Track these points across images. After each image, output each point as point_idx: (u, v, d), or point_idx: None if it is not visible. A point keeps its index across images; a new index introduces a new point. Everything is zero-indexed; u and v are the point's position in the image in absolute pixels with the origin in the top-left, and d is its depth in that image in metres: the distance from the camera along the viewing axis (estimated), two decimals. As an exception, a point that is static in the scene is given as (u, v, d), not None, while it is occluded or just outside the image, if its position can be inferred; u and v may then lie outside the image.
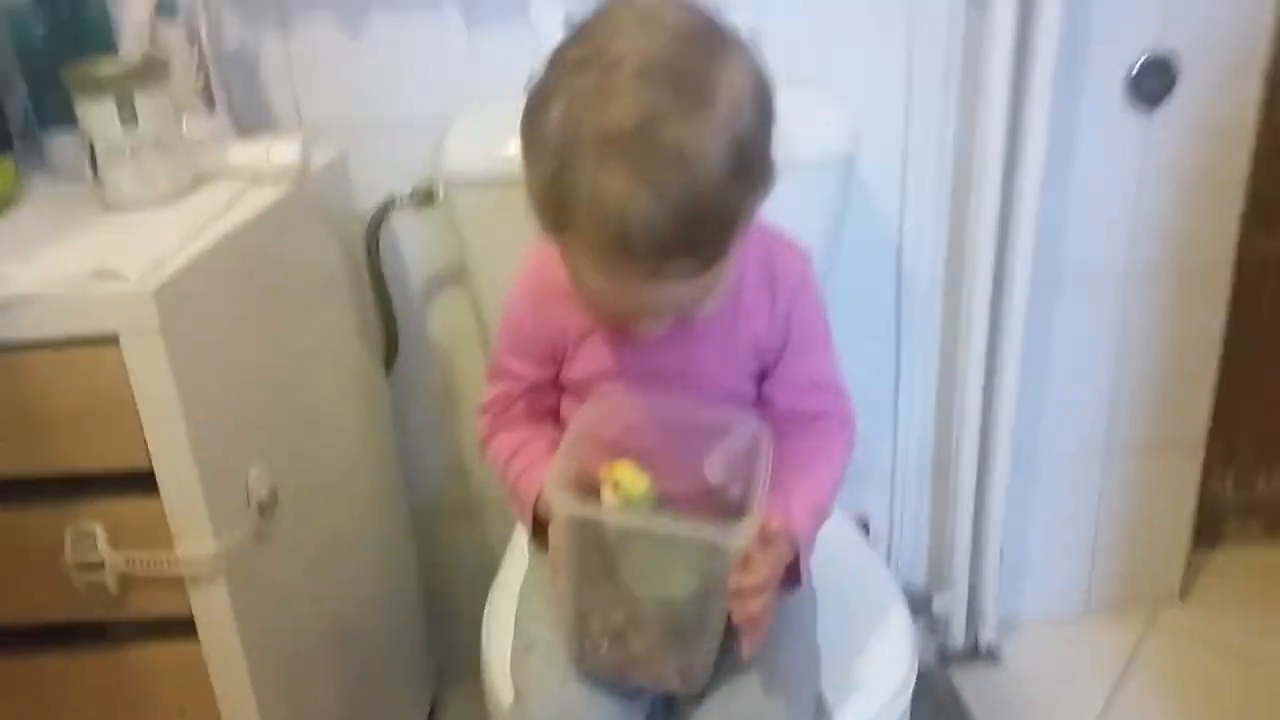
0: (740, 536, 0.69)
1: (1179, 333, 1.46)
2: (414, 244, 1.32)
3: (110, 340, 0.74)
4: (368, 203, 1.25)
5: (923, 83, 1.30)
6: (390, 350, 1.32)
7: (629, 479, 0.75)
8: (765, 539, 0.73)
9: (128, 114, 0.89)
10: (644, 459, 0.76)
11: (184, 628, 0.83)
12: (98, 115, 0.89)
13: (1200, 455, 1.54)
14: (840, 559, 0.99)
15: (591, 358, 0.83)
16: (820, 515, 0.82)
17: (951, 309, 1.43)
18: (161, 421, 0.76)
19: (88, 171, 0.92)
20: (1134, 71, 1.30)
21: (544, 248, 0.80)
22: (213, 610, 0.82)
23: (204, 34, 1.08)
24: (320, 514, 1.06)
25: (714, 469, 0.78)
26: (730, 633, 0.75)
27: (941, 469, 1.52)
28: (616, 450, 0.77)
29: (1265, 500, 1.73)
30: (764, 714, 0.77)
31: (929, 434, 1.51)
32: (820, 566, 0.87)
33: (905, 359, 1.46)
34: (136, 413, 0.76)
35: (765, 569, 0.73)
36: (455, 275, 1.33)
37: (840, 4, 1.25)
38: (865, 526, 1.48)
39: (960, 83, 1.31)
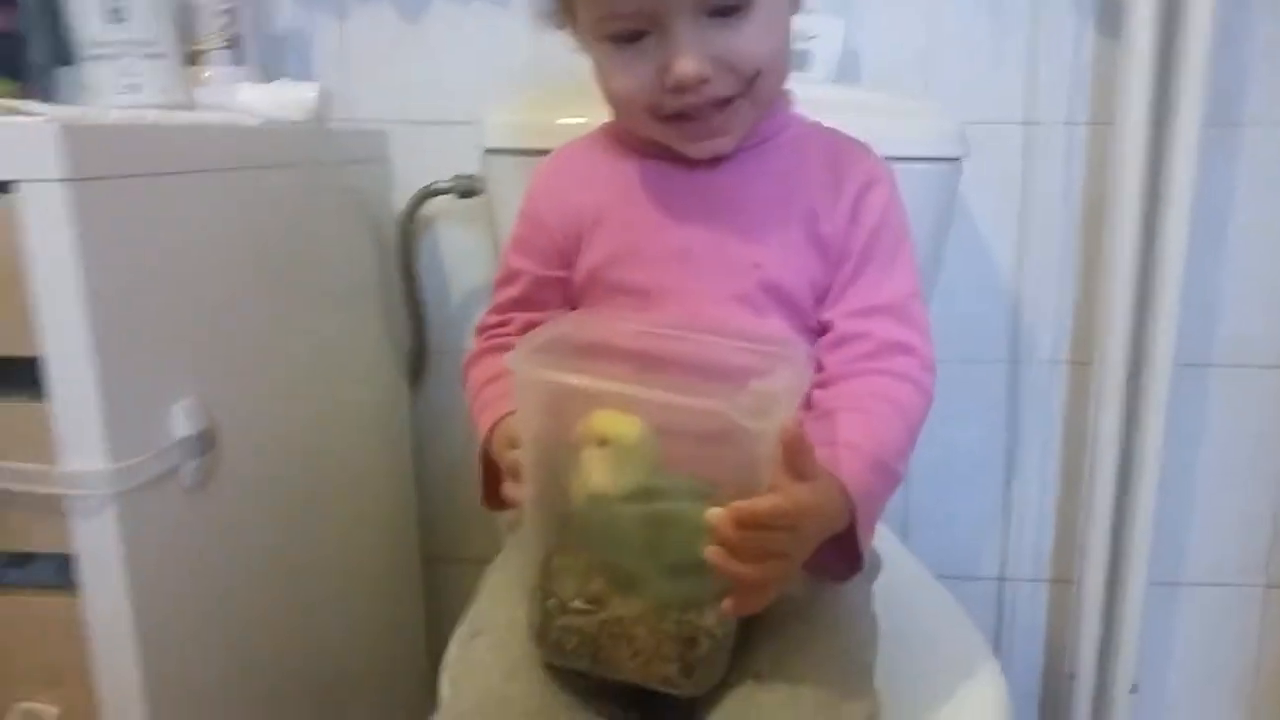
0: (761, 414, 0.50)
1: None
2: (453, 250, 1.20)
3: (4, 189, 0.61)
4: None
5: (1045, 113, 1.14)
6: (417, 361, 1.17)
7: (617, 426, 0.56)
8: (797, 464, 0.53)
9: (116, 9, 0.80)
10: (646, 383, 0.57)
11: (66, 574, 0.67)
12: (84, 9, 0.80)
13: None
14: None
15: (610, 237, 0.69)
16: (883, 473, 0.61)
17: (1079, 386, 1.21)
18: (59, 296, 0.62)
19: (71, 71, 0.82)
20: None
21: (577, 138, 0.75)
22: (99, 550, 0.66)
23: (242, -15, 1.01)
24: (287, 504, 0.90)
25: (744, 406, 0.57)
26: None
27: (1061, 581, 1.26)
28: (611, 364, 0.59)
29: None
30: None
31: (1047, 538, 1.26)
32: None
33: (1020, 443, 1.23)
34: (29, 284, 0.62)
35: (785, 502, 0.52)
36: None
37: (956, 26, 1.13)
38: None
39: (1090, 115, 1.14)
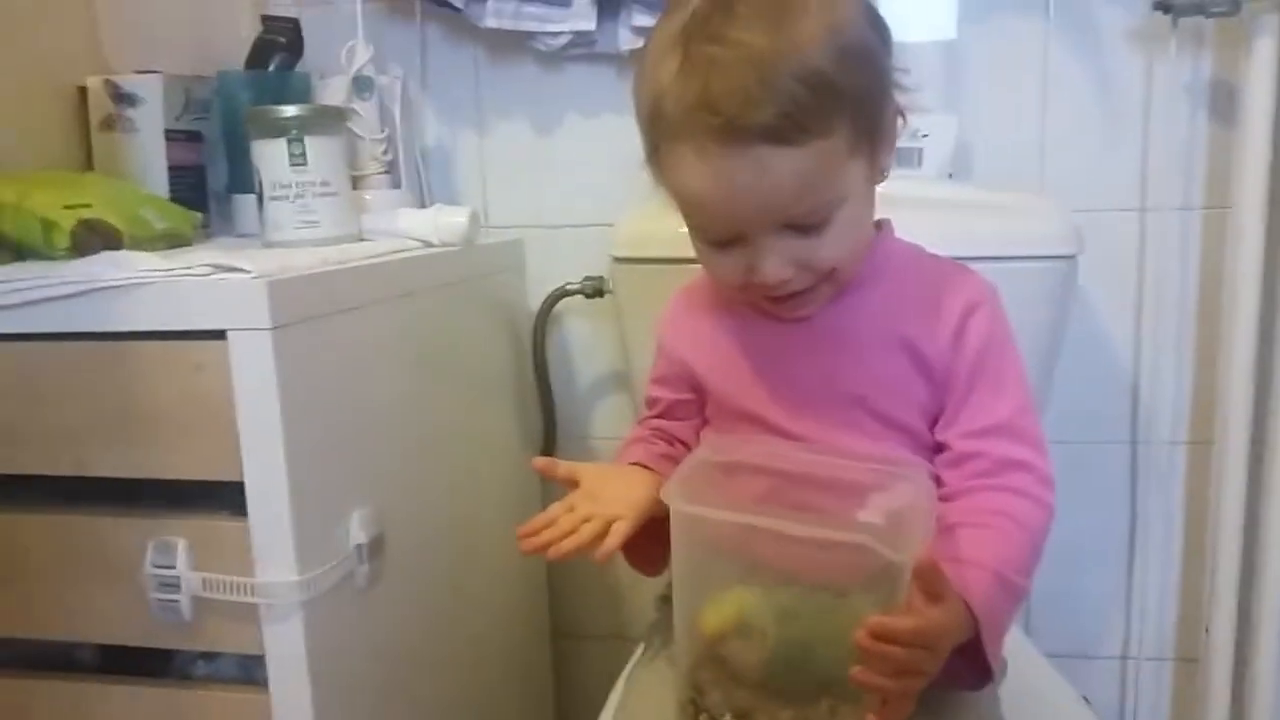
0: (901, 545, 0.55)
1: None
2: (582, 346, 1.28)
3: (218, 335, 0.70)
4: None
5: (1159, 199, 1.16)
6: (548, 447, 1.25)
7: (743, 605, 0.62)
8: (931, 589, 0.58)
9: (297, 155, 0.90)
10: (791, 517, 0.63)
11: (256, 673, 0.75)
12: (269, 154, 0.91)
13: None
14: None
15: (725, 377, 0.75)
16: (1006, 587, 0.64)
17: (1200, 463, 1.21)
18: (260, 429, 0.71)
19: (255, 210, 0.93)
20: None
21: (693, 281, 0.80)
22: (286, 652, 0.74)
23: (397, 115, 1.11)
24: (439, 596, 0.97)
25: (885, 538, 0.60)
26: None
27: (1187, 657, 1.25)
28: (749, 489, 0.64)
29: None
30: None
31: (1171, 613, 1.26)
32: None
33: (1142, 523, 1.24)
34: (235, 418, 0.71)
35: (923, 623, 0.57)
36: (621, 382, 1.27)
37: (1068, 117, 1.17)
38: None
39: (1204, 200, 1.16)
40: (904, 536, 0.57)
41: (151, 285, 0.71)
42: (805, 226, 0.64)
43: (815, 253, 0.65)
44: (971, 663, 0.63)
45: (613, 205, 1.18)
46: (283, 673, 0.74)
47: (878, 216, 0.73)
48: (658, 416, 0.82)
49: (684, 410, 0.81)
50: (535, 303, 1.23)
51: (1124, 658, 1.27)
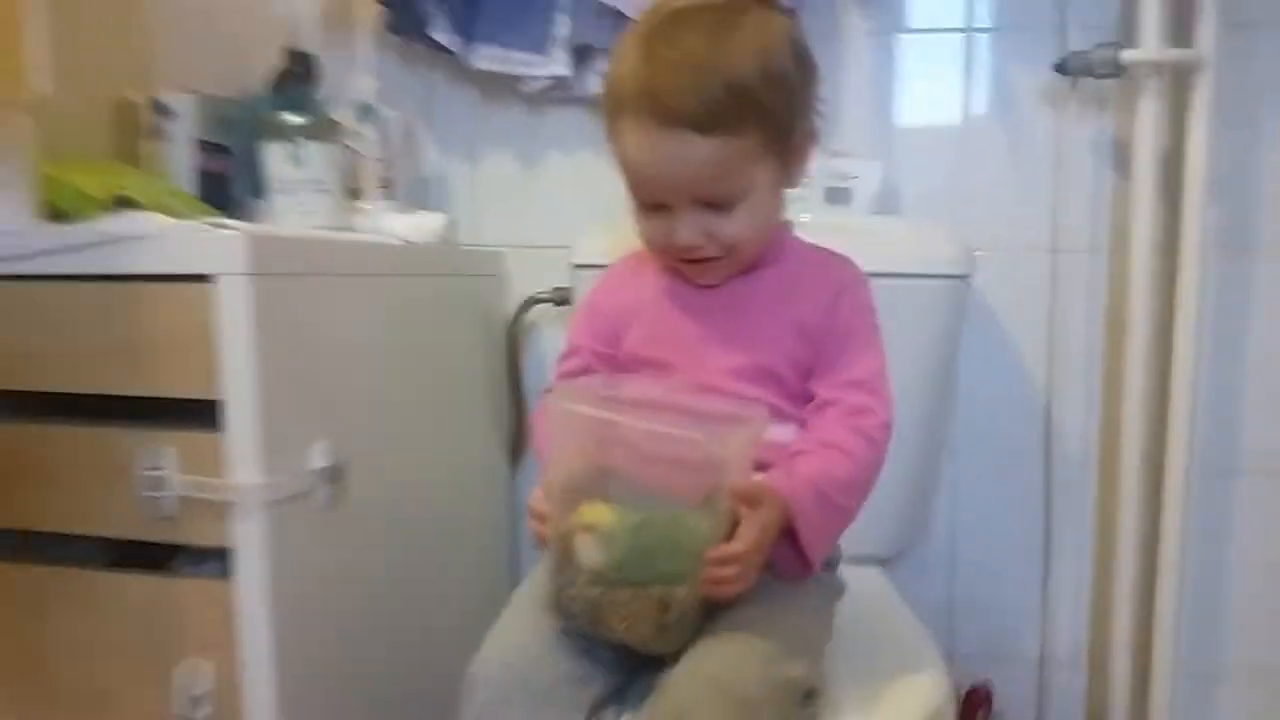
0: (724, 443, 0.72)
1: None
2: (552, 349, 1.44)
3: (207, 279, 0.87)
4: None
5: (1069, 241, 1.31)
6: (516, 442, 1.40)
7: (597, 515, 0.76)
8: (751, 496, 0.75)
9: (296, 156, 1.09)
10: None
11: (225, 564, 0.90)
12: (274, 154, 1.09)
13: None
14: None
15: (645, 327, 0.91)
16: (822, 498, 0.79)
17: (1109, 481, 1.33)
18: (236, 357, 0.87)
19: (263, 202, 1.11)
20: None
21: (624, 258, 0.98)
22: (250, 544, 0.89)
23: (397, 143, 1.30)
24: (398, 539, 1.13)
25: (712, 436, 0.75)
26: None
27: (1098, 663, 1.36)
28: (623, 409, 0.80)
29: None
30: (740, 679, 0.72)
31: (1083, 622, 1.37)
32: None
33: (1057, 532, 1.36)
34: (219, 348, 0.87)
35: (750, 534, 0.74)
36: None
37: (982, 164, 1.32)
38: (989, 699, 1.32)
39: (1111, 244, 1.31)
40: (727, 439, 0.73)
41: (158, 237, 0.88)
42: (717, 205, 0.82)
43: (722, 227, 0.83)
44: (793, 551, 0.79)
45: (583, 230, 1.36)
46: (247, 563, 0.89)
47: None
48: (580, 374, 0.95)
49: (602, 365, 0.94)
50: (514, 309, 1.40)
51: (1041, 667, 1.37)
